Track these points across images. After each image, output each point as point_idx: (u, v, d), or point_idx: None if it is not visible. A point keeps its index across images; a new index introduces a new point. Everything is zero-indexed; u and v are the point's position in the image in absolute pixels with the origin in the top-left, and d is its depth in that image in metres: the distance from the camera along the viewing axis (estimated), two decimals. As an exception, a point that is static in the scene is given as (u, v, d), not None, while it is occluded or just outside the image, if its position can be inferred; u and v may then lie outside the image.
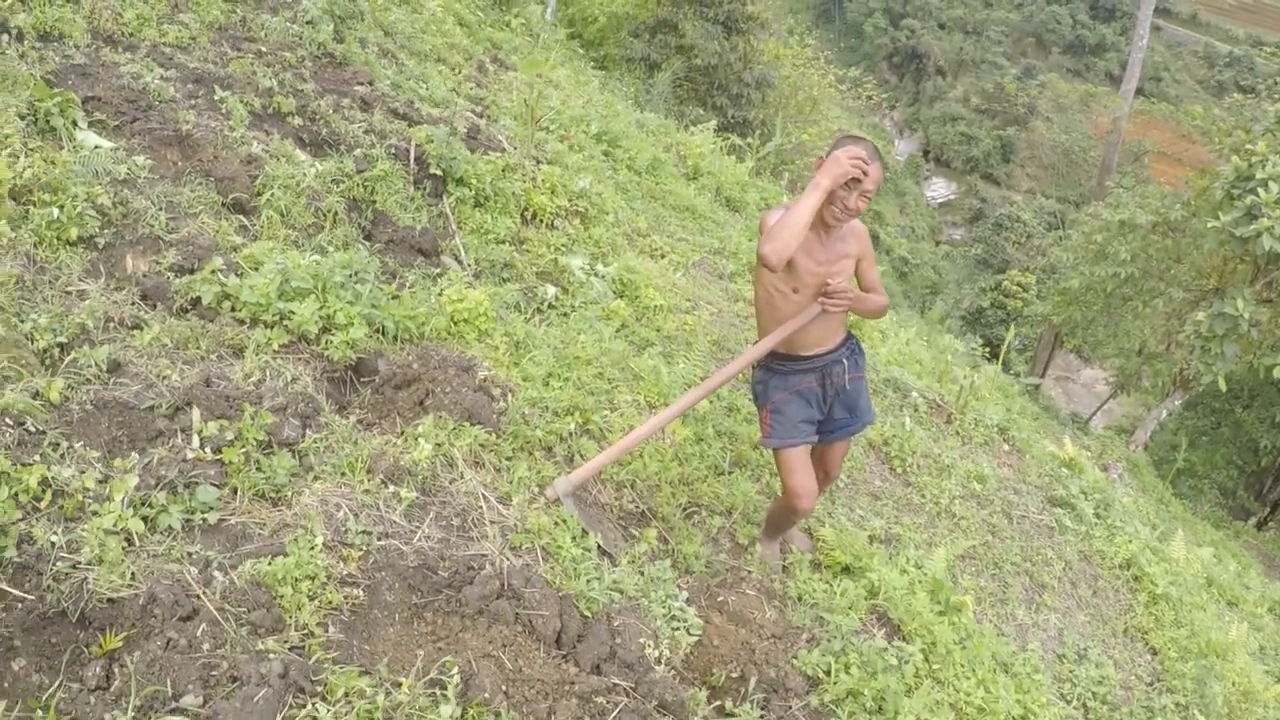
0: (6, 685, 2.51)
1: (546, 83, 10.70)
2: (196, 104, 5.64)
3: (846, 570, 5.21)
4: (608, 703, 3.29)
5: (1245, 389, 16.15)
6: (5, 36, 5.21)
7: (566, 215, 7.39)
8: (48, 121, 4.74)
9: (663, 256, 8.45)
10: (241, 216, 4.98)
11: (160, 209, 4.64)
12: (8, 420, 3.15)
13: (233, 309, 4.22)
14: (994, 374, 11.71)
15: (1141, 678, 6.44)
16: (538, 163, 7.53)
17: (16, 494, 2.93)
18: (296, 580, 3.04)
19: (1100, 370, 30.53)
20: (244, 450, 3.43)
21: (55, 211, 4.19)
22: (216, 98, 5.73)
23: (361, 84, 7.22)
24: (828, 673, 4.20)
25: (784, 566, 5.07)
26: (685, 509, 5.12)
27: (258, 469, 3.43)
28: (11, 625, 2.64)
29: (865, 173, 4.04)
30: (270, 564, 3.05)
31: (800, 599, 4.77)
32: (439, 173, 6.39)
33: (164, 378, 3.66)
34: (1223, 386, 13.93)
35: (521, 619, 3.39)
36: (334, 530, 3.36)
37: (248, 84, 6.10)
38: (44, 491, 2.95)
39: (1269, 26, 65.14)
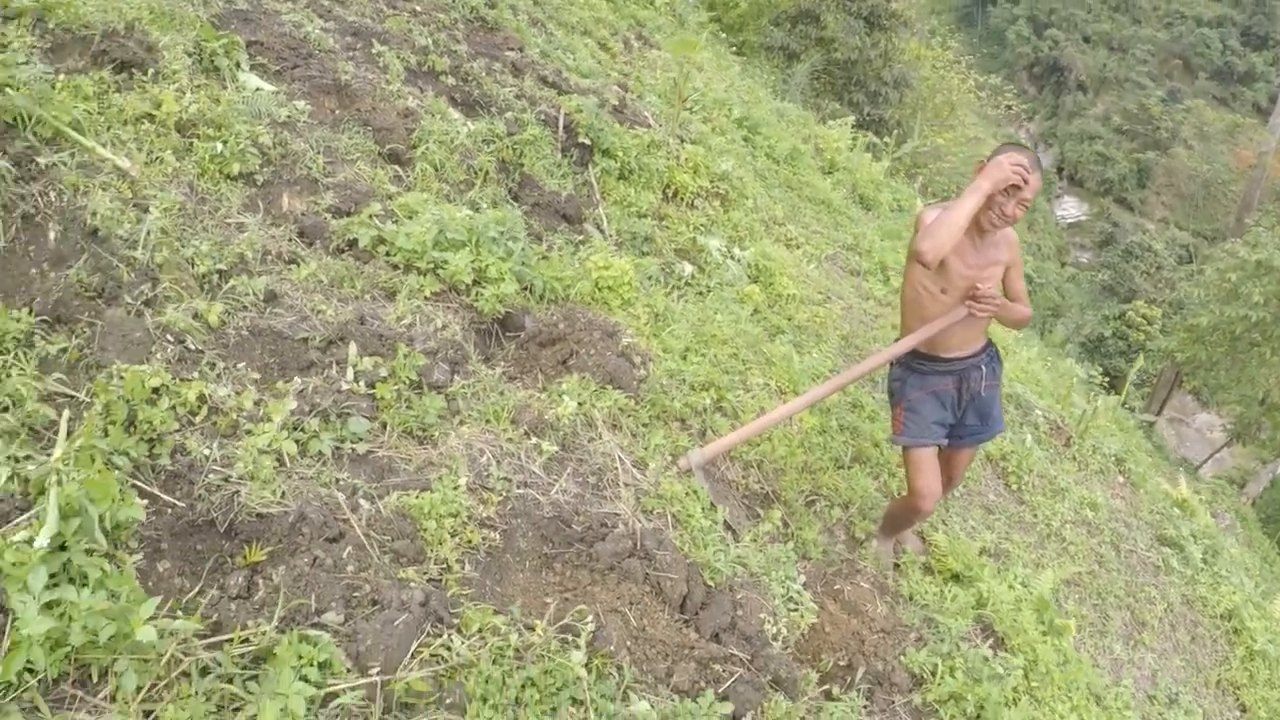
0: (151, 584, 2.56)
1: (691, 64, 10.63)
2: (354, 56, 5.72)
3: (956, 578, 5.17)
4: (724, 671, 3.28)
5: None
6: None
7: (707, 196, 7.34)
8: (212, 62, 4.82)
9: (797, 247, 8.35)
10: (396, 166, 5.03)
11: (318, 152, 4.70)
12: (169, 337, 3.21)
13: (387, 254, 4.26)
14: (1113, 405, 11.35)
15: None
16: (681, 142, 7.49)
17: (174, 406, 2.98)
18: (440, 516, 3.08)
19: (1216, 416, 29.41)
20: (396, 388, 3.46)
21: (219, 146, 4.27)
22: (374, 51, 5.80)
23: (512, 49, 7.25)
24: (933, 673, 4.18)
25: (896, 565, 5.02)
26: (807, 496, 5.10)
27: (408, 407, 3.47)
28: (161, 529, 2.71)
29: (1025, 180, 4.00)
30: (416, 498, 3.08)
31: (911, 598, 4.74)
32: (587, 142, 6.38)
33: (318, 312, 3.70)
34: None
35: (650, 579, 3.39)
36: (476, 474, 3.38)
37: (404, 41, 6.16)
38: (200, 406, 3.00)
39: None
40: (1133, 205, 46.41)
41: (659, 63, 10.01)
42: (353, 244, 4.20)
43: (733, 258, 7.02)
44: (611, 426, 4.12)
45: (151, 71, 4.40)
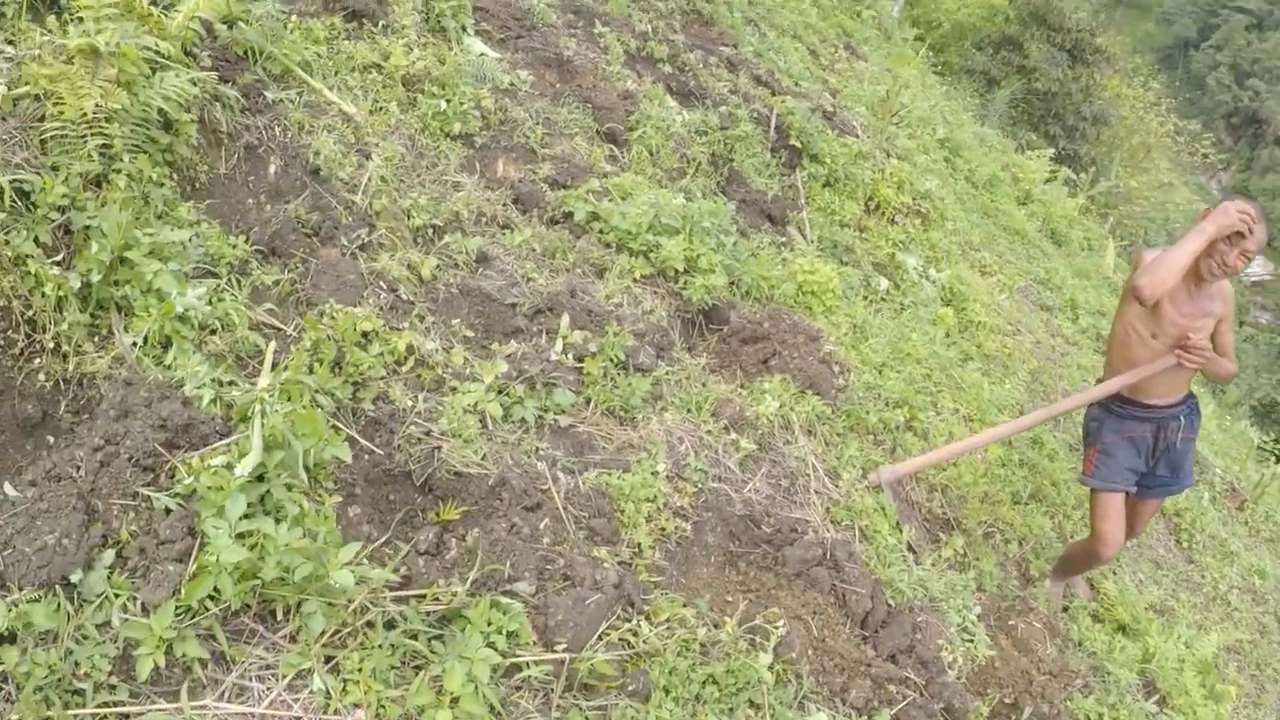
0: (341, 528, 2.48)
1: (901, 79, 10.38)
2: (576, 33, 5.69)
3: (1122, 629, 5.00)
4: (898, 693, 3.17)
5: None
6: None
7: (908, 213, 7.09)
8: (439, 22, 4.82)
9: (990, 274, 8.03)
10: (612, 146, 4.97)
11: (537, 123, 4.67)
12: (382, 284, 3.15)
13: (600, 231, 4.16)
14: (1287, 473, 10.70)
15: None
16: (888, 155, 7.24)
17: (383, 353, 2.91)
18: (638, 500, 2.98)
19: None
20: (603, 365, 3.36)
21: (442, 104, 4.26)
22: (596, 31, 5.75)
23: (727, 45, 7.14)
24: None
25: (1065, 608, 4.88)
26: (985, 527, 4.91)
27: (613, 385, 3.36)
28: (356, 474, 2.65)
29: (1250, 230, 3.84)
30: (617, 478, 2.98)
31: (1080, 644, 4.59)
32: (797, 145, 6.20)
33: (529, 279, 3.64)
34: None
35: (836, 591, 3.28)
36: (674, 461, 3.29)
37: (624, 25, 6.11)
38: (407, 357, 2.93)
39: None
40: (1323, 271, 43.79)
41: (866, 74, 9.77)
42: (568, 216, 4.13)
43: (928, 278, 6.78)
44: (807, 432, 3.98)
45: (382, 24, 4.41)
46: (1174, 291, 4.04)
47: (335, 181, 3.41)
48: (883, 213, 6.85)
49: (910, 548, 4.03)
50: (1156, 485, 4.56)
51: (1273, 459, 11.67)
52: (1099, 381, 4.39)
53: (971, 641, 3.87)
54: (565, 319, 3.37)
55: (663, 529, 2.98)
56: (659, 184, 4.93)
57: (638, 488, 2.96)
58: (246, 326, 2.75)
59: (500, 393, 3.02)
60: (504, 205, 4.03)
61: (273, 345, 2.65)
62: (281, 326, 2.88)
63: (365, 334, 2.87)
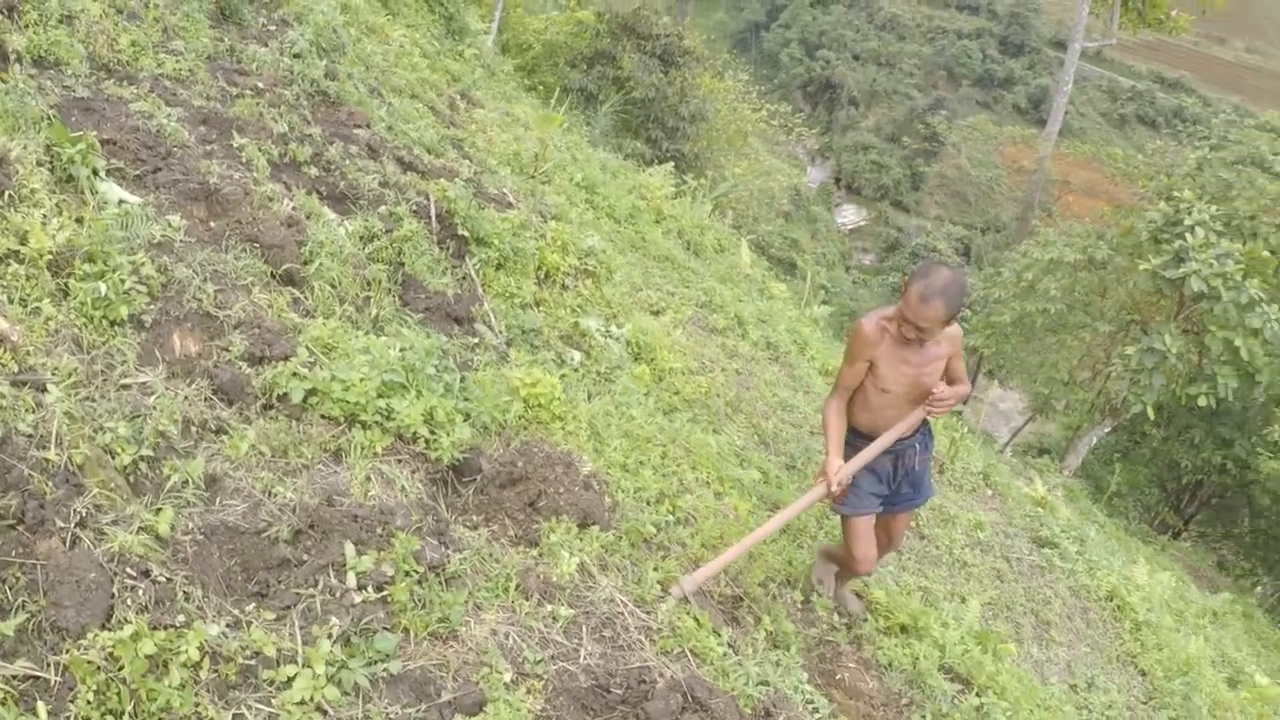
0: None
1: (515, 121, 10.24)
2: (214, 150, 5.08)
3: (904, 629, 5.36)
4: None
5: (1166, 415, 16.67)
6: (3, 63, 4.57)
7: (577, 275, 6.95)
8: (67, 172, 4.10)
9: (659, 313, 8.07)
10: (292, 289, 4.42)
11: (205, 279, 4.05)
12: (129, 569, 2.58)
13: (323, 407, 3.65)
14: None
15: (1139, 698, 6.98)
16: (544, 219, 7.08)
17: (180, 677, 2.37)
18: None
19: (1007, 391, 31.09)
20: (407, 586, 2.93)
21: (101, 287, 3.58)
22: (234, 144, 5.15)
23: (359, 126, 6.68)
24: None
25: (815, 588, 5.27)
26: (761, 583, 4.97)
27: (425, 606, 2.96)
28: None
29: (906, 319, 4.19)
30: (485, 717, 2.69)
31: (890, 666, 4.94)
32: (464, 233, 5.88)
33: (272, 493, 3.13)
34: (1151, 415, 14.63)
35: None
36: (512, 662, 3.05)
37: (260, 128, 5.53)
38: (202, 658, 2.40)
39: (1168, 63, 68.62)
40: (908, 207, 48.70)
41: (489, 123, 9.53)
42: (283, 399, 3.60)
43: (611, 336, 6.69)
44: (601, 568, 3.75)
45: (7, 194, 3.66)
46: (888, 354, 4.37)
47: (17, 440, 2.77)
48: (554, 281, 6.68)
49: (732, 647, 3.98)
50: (901, 501, 4.94)
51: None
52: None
53: (818, 711, 3.98)
54: (349, 549, 2.91)
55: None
56: (352, 322, 4.48)
57: (504, 712, 2.70)
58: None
59: (329, 664, 2.57)
60: (207, 402, 3.46)
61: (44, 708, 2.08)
62: (42, 675, 2.27)
63: (150, 657, 2.32)
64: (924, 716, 4.62)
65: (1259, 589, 17.28)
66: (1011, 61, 60.63)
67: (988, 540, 7.78)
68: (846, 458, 4.54)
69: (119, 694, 2.24)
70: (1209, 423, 16.62)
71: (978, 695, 5.00)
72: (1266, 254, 13.82)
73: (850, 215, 48.40)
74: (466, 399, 4.09)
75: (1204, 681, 7.57)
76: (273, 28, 7.32)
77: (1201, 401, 13.89)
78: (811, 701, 4.03)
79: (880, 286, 38.66)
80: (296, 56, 6.87)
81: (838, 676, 4.48)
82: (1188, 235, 13.58)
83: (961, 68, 59.89)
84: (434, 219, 5.89)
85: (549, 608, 3.35)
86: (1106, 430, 17.13)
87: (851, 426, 4.61)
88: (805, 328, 10.89)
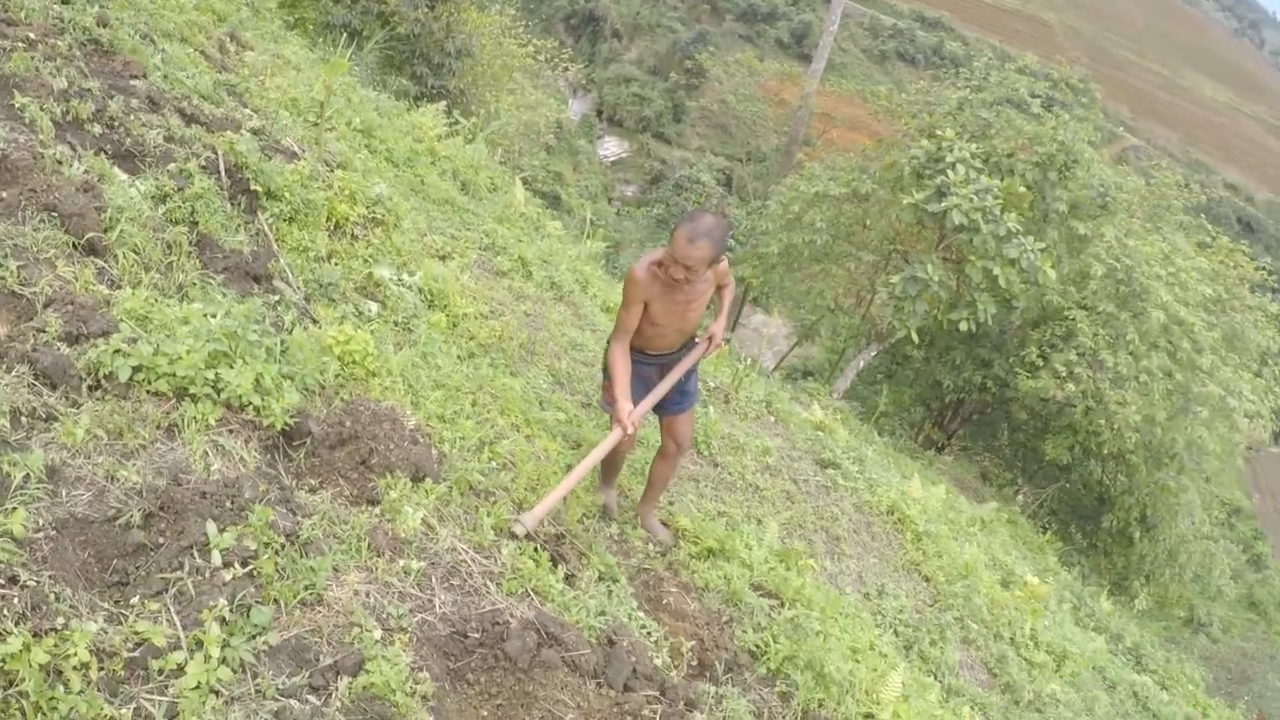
0: None
1: (287, 64, 9.94)
2: (-3, 112, 4.82)
3: (712, 552, 5.73)
4: (651, 713, 3.47)
5: (928, 339, 17.78)
6: None
7: (367, 224, 6.96)
8: None
9: (445, 258, 8.13)
10: (95, 258, 4.31)
11: (5, 254, 3.92)
12: (-1, 580, 2.59)
13: (150, 382, 3.62)
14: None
15: (926, 602, 7.68)
16: (330, 169, 7.02)
17: (80, 683, 2.44)
18: (388, 676, 2.88)
19: (765, 315, 32.35)
20: (272, 559, 3.03)
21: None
22: (16, 104, 4.91)
23: (136, 77, 6.39)
24: (764, 646, 4.92)
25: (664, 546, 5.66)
26: (580, 519, 5.26)
27: (291, 576, 3.06)
28: None
29: (675, 260, 4.62)
30: (364, 675, 2.84)
31: (707, 588, 5.28)
32: (256, 188, 5.81)
33: (114, 477, 3.15)
34: (915, 339, 15.80)
35: (568, 662, 3.43)
36: (379, 620, 3.18)
37: (39, 85, 5.24)
38: (92, 657, 2.47)
39: (929, 2, 72.07)
40: (670, 139, 49.53)
41: (262, 66, 9.21)
42: (110, 377, 3.57)
43: (404, 285, 6.77)
44: (440, 519, 3.93)
45: None
46: (660, 295, 4.86)
47: None
48: (344, 231, 6.67)
49: (568, 582, 4.28)
50: (671, 404, 5.45)
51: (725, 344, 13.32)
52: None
53: (652, 635, 4.31)
54: (211, 527, 2.97)
55: (423, 695, 2.93)
56: (159, 290, 4.43)
57: (384, 669, 2.84)
58: None
59: (222, 647, 2.66)
60: (31, 389, 3.41)
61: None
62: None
63: (43, 666, 2.36)
64: (745, 630, 4.97)
65: (1020, 497, 19.04)
66: (774, -3, 62.36)
67: (775, 464, 8.31)
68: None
69: (21, 710, 2.27)
70: (969, 345, 17.76)
71: (788, 608, 5.40)
72: (1023, 189, 14.98)
73: (612, 147, 48.86)
74: (289, 362, 4.14)
75: (981, 584, 8.41)
76: (32, -29, 6.88)
77: (963, 326, 14.88)
78: (645, 627, 4.37)
79: (645, 219, 39.38)
80: (65, 3, 6.51)
81: (664, 601, 4.79)
82: (949, 171, 14.53)
83: (726, 1, 61.12)
84: (223, 174, 5.80)
85: (400, 562, 3.49)
86: (873, 354, 18.16)
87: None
88: (586, 266, 11.15)
